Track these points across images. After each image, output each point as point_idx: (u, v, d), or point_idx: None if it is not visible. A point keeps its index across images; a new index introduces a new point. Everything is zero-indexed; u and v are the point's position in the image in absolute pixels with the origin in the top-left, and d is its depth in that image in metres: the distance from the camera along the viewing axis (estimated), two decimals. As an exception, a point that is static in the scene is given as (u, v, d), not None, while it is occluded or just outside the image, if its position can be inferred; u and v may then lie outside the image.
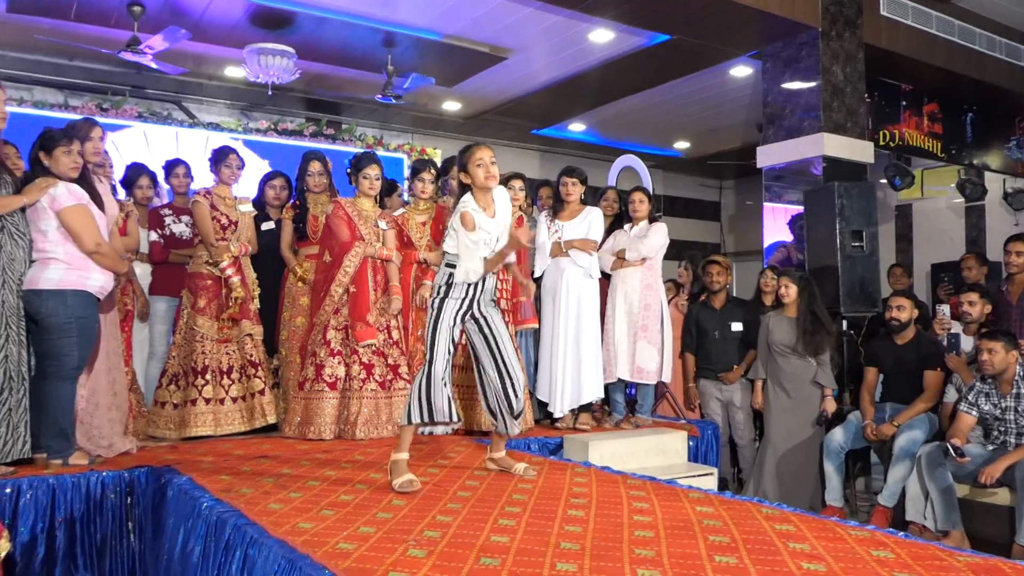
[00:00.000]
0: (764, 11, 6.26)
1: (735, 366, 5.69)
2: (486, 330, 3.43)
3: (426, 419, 3.30)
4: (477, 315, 3.42)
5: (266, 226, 5.28)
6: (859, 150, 6.80)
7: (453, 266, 3.35)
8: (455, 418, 3.37)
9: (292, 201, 5.38)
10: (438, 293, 3.37)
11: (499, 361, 3.43)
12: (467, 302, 3.38)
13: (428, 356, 3.32)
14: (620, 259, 5.21)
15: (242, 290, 4.76)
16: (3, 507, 3.25)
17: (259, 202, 5.42)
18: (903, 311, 5.10)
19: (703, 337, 5.83)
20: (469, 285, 3.35)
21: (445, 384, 3.32)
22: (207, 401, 4.66)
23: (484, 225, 3.31)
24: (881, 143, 7.78)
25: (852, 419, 5.20)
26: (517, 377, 3.44)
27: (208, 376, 4.69)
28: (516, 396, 3.44)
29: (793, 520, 2.70)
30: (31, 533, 3.32)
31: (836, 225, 5.86)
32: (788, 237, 7.00)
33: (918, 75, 7.87)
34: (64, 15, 6.65)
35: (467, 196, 3.36)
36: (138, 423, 4.65)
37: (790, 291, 5.34)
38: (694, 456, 5.17)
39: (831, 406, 5.28)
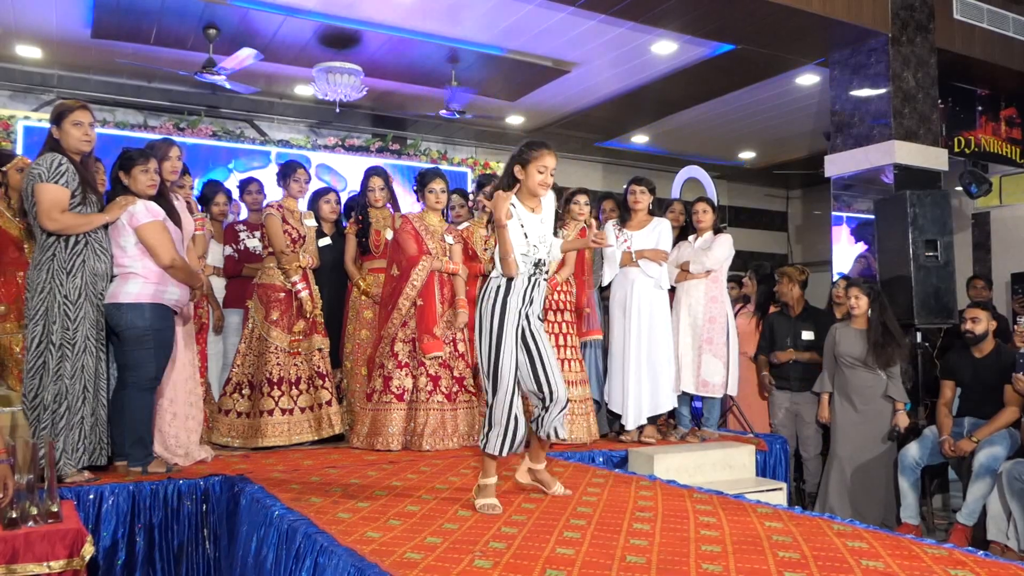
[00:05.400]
0: (831, 18, 6.15)
1: (789, 348, 5.68)
2: (531, 344, 3.17)
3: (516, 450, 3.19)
4: (527, 332, 3.17)
5: (323, 242, 5.30)
6: (932, 157, 6.61)
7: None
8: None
9: (355, 215, 5.43)
10: (490, 300, 3.12)
11: (536, 358, 3.15)
12: (522, 312, 3.14)
13: (493, 378, 3.10)
14: (684, 271, 5.17)
15: (311, 304, 4.87)
16: (87, 513, 3.37)
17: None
18: (978, 323, 4.93)
19: (775, 345, 5.78)
20: (524, 295, 3.14)
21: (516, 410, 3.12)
22: (283, 412, 4.75)
23: (528, 223, 3.18)
24: (956, 150, 7.54)
25: (928, 434, 5.04)
26: (554, 373, 3.16)
27: (283, 388, 4.79)
28: (552, 382, 3.14)
29: (866, 537, 2.64)
30: (112, 538, 3.44)
31: (909, 235, 5.72)
32: (855, 248, 6.84)
33: (995, 79, 7.62)
34: (144, 39, 6.94)
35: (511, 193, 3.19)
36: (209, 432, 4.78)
37: (860, 302, 5.21)
38: (762, 471, 5.08)
39: (903, 420, 5.13)
